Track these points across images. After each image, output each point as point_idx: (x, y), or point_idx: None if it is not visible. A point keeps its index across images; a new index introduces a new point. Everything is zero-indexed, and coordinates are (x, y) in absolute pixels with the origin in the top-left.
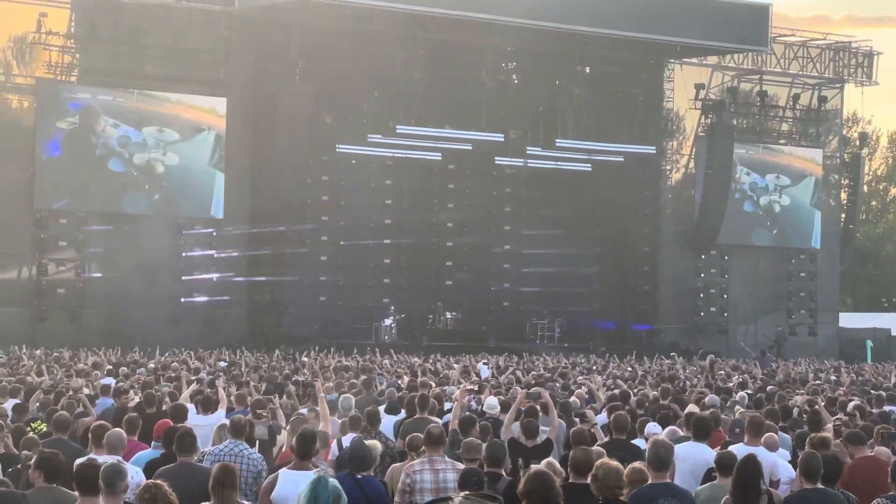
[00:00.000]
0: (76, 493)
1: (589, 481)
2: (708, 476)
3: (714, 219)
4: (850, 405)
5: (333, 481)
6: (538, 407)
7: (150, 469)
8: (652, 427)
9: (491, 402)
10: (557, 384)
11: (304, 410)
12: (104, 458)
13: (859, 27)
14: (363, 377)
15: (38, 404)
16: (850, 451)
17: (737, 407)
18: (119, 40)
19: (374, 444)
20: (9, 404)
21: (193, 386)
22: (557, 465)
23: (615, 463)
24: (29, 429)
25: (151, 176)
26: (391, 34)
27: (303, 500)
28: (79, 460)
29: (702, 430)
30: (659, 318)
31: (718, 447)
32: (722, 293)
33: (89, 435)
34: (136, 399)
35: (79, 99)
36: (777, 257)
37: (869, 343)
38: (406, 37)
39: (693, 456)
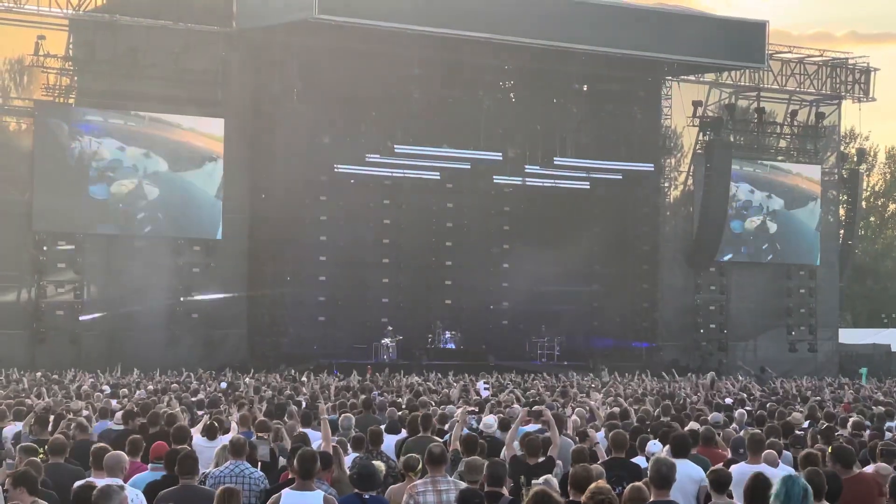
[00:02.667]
0: None
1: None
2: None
3: (713, 236)
4: (850, 422)
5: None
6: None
7: (150, 492)
8: (652, 445)
9: (488, 421)
10: (559, 402)
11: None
12: (103, 481)
13: (862, 44)
14: (363, 397)
15: (28, 428)
16: (836, 470)
17: (747, 422)
18: (117, 62)
19: (379, 465)
20: (10, 430)
21: (205, 419)
22: (555, 481)
23: (606, 485)
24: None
25: (151, 199)
26: (389, 54)
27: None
28: (77, 483)
29: (680, 447)
30: (658, 335)
31: (720, 464)
32: (721, 310)
33: (90, 457)
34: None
35: (81, 121)
36: (776, 274)
37: (864, 371)
38: (404, 56)
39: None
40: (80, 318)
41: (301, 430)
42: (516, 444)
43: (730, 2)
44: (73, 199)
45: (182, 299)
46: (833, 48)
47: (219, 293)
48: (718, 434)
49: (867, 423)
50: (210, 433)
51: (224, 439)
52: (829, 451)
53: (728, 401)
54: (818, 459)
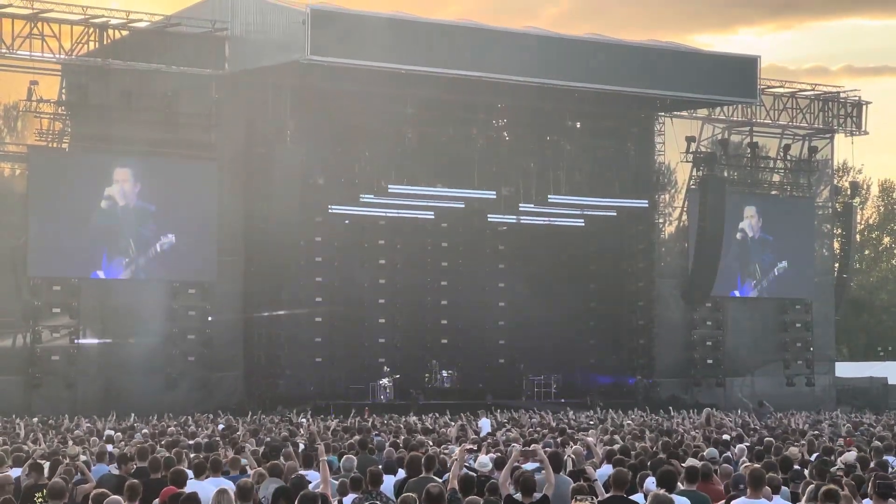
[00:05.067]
0: None
1: None
2: None
3: (708, 271)
4: (852, 456)
5: None
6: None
7: None
8: (651, 482)
9: (483, 461)
10: (557, 440)
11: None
12: None
13: (857, 78)
14: (358, 437)
15: (26, 472)
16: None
17: (743, 460)
18: (110, 106)
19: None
20: (13, 474)
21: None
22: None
23: None
24: (39, 496)
25: (146, 242)
26: (381, 93)
27: None
28: None
29: (691, 478)
30: (656, 371)
31: (722, 502)
32: (718, 345)
33: (89, 502)
34: (132, 466)
35: (75, 166)
36: (772, 308)
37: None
38: (396, 96)
39: None
40: None
41: (301, 471)
42: (509, 482)
43: (727, 38)
44: (68, 243)
45: (177, 342)
46: (829, 82)
47: (214, 335)
48: (716, 470)
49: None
50: (199, 471)
51: (218, 481)
52: (871, 482)
53: (726, 437)
54: (838, 495)
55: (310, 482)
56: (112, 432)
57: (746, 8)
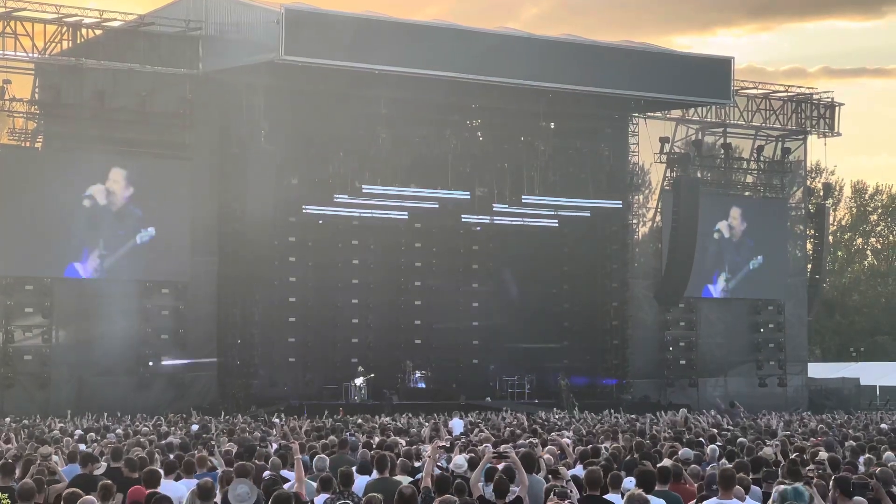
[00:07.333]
0: None
1: None
2: None
3: (681, 272)
4: (823, 455)
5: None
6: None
7: None
8: (627, 482)
9: (458, 461)
10: (532, 441)
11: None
12: None
13: (834, 79)
14: (332, 437)
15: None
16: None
17: (716, 463)
18: (83, 105)
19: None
20: None
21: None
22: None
23: None
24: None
25: (119, 241)
26: (355, 94)
27: None
28: None
29: (647, 483)
30: (629, 372)
31: (693, 502)
32: (691, 346)
33: (62, 503)
34: (104, 465)
35: (47, 164)
36: (745, 309)
37: None
38: (370, 96)
39: None
40: None
41: (272, 472)
42: (481, 483)
43: (706, 40)
44: (41, 243)
45: (150, 342)
46: (806, 84)
47: (188, 335)
48: (686, 470)
49: (840, 457)
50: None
51: (191, 483)
52: (833, 480)
53: (700, 439)
54: (825, 490)
55: (287, 480)
56: (81, 432)
57: (725, 10)
